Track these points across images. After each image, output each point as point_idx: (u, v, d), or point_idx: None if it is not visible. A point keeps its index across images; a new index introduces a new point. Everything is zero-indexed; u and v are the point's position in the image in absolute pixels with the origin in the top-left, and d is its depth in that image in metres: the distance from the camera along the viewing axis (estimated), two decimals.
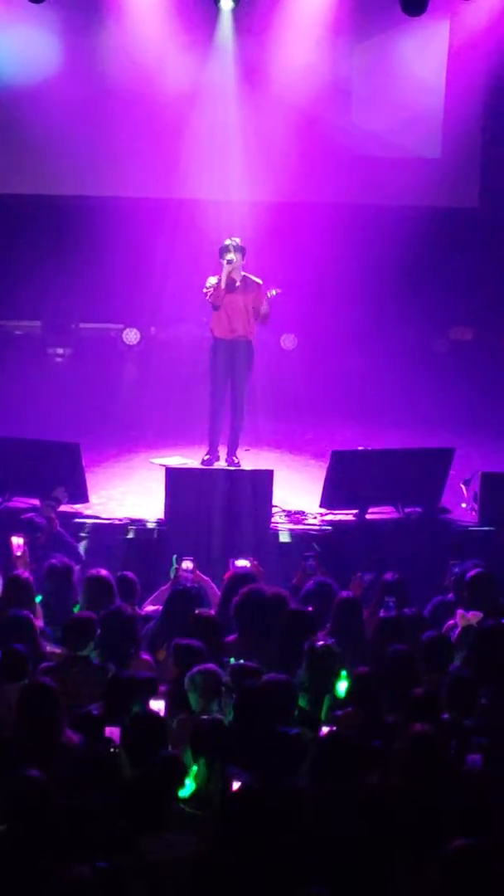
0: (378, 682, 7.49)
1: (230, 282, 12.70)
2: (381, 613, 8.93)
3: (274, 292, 12.88)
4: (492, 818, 5.86)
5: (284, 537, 11.85)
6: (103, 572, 9.22)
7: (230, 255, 12.69)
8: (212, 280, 12.83)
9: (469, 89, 17.12)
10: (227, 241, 12.86)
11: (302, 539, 11.79)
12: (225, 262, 12.70)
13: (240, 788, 5.92)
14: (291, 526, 12.00)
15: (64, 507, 11.86)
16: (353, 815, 5.76)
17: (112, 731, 6.60)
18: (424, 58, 16.98)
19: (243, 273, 12.83)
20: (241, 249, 12.79)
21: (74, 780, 6.17)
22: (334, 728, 6.82)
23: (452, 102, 17.26)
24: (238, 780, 6.24)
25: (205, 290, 12.84)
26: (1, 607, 8.77)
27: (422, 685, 7.43)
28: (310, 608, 8.75)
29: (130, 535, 11.74)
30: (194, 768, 6.42)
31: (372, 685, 7.43)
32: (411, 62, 16.96)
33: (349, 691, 7.48)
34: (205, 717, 6.87)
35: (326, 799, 6.01)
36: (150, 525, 11.89)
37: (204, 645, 7.86)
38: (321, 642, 7.82)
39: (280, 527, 11.98)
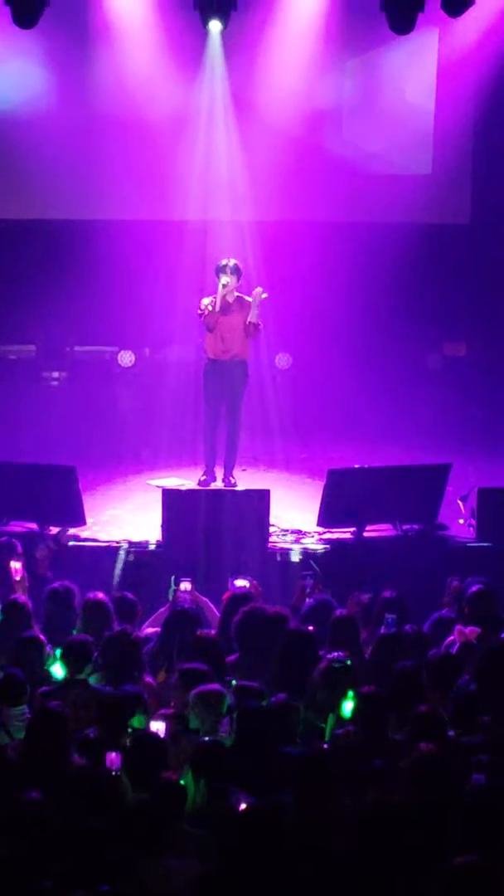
0: (381, 700, 7.48)
1: (225, 304, 12.72)
2: (382, 631, 8.94)
3: (262, 293, 12.78)
4: (496, 835, 5.85)
5: (294, 556, 11.86)
6: (101, 596, 9.22)
7: (225, 279, 12.70)
8: (206, 301, 12.85)
9: (459, 105, 17.14)
10: (223, 262, 12.89)
11: (301, 558, 11.79)
12: (220, 284, 12.71)
13: (249, 808, 5.90)
14: (290, 545, 12.01)
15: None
16: (344, 834, 5.75)
17: (112, 756, 6.59)
18: (414, 75, 17.00)
19: (237, 293, 12.85)
20: (236, 271, 12.81)
21: (78, 803, 6.17)
22: (324, 746, 6.83)
23: (443, 119, 17.27)
24: (241, 800, 6.24)
25: (199, 312, 12.86)
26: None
27: (427, 702, 7.43)
28: (310, 627, 8.75)
29: (129, 557, 11.73)
30: (192, 788, 6.41)
31: (375, 703, 7.43)
32: (401, 79, 16.97)
33: (354, 710, 7.48)
34: (206, 738, 6.87)
35: (313, 817, 6.01)
36: (148, 547, 11.89)
37: (208, 666, 7.86)
38: (335, 657, 7.82)
39: (283, 546, 11.98)
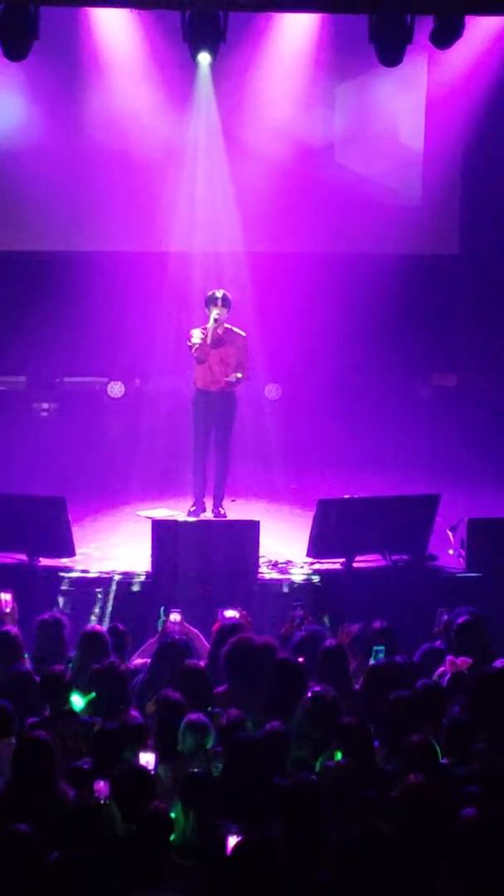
0: (366, 731, 7.46)
1: (216, 338, 12.74)
2: (371, 661, 8.93)
3: (237, 377, 12.86)
4: (485, 868, 5.84)
5: (279, 587, 11.84)
6: (99, 628, 9.22)
7: (216, 312, 12.72)
8: (196, 334, 12.86)
9: (448, 136, 17.20)
10: (213, 293, 12.91)
11: (290, 589, 11.78)
12: (212, 318, 12.73)
13: (243, 841, 5.87)
14: (280, 576, 11.99)
15: (50, 561, 11.88)
16: (332, 864, 5.74)
17: (100, 786, 6.57)
18: (403, 106, 17.06)
19: (227, 325, 12.87)
20: (227, 303, 12.83)
21: (67, 835, 6.14)
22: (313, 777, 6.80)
23: (432, 149, 17.33)
24: (230, 832, 6.22)
25: (190, 345, 12.87)
26: None
27: (418, 733, 7.41)
28: (300, 658, 8.73)
29: (117, 588, 11.71)
30: (181, 819, 6.38)
31: (364, 735, 7.41)
32: (390, 110, 17.03)
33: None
34: (195, 769, 6.84)
35: (301, 848, 5.99)
36: (138, 578, 11.87)
37: (189, 697, 7.84)
38: (317, 691, 7.79)
39: (271, 576, 11.97)
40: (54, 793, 6.70)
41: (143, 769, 6.81)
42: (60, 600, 11.43)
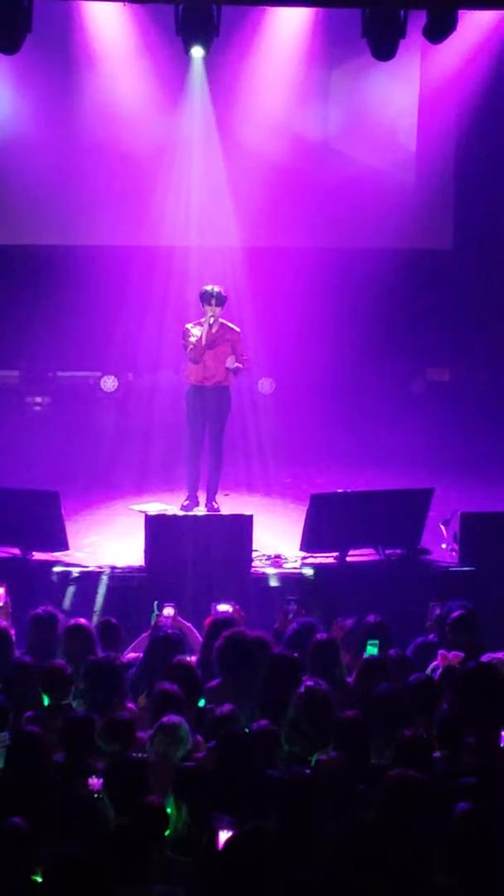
0: (363, 725, 7.47)
1: (210, 339, 12.72)
2: (365, 655, 8.93)
3: (234, 363, 12.81)
4: (479, 862, 5.84)
5: (272, 581, 11.84)
6: (82, 621, 9.20)
7: (210, 311, 12.70)
8: (192, 331, 12.82)
9: (441, 130, 17.23)
10: (208, 288, 12.88)
11: (284, 583, 11.78)
12: (207, 316, 12.71)
13: (235, 835, 5.87)
14: (273, 570, 12.00)
15: (44, 556, 11.88)
16: (324, 858, 5.74)
17: (94, 779, 6.57)
18: (396, 100, 17.07)
19: (221, 320, 12.86)
20: (221, 301, 12.80)
21: (59, 828, 6.14)
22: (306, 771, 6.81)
23: (425, 143, 17.36)
24: (223, 825, 6.22)
25: (184, 344, 12.84)
26: None
27: (410, 726, 7.42)
28: (295, 653, 8.72)
29: (111, 583, 11.71)
30: (174, 813, 6.38)
31: (357, 729, 7.41)
32: (383, 104, 17.04)
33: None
34: (188, 763, 6.84)
35: (294, 841, 5.99)
36: (131, 572, 11.86)
37: (181, 691, 7.84)
38: (309, 685, 7.78)
39: (266, 571, 11.97)
40: (47, 787, 6.70)
41: (137, 761, 6.80)
42: (67, 597, 11.39)
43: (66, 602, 11.21)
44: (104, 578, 11.72)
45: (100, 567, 11.91)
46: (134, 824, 6.13)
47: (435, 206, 17.71)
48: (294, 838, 6.06)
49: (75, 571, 11.80)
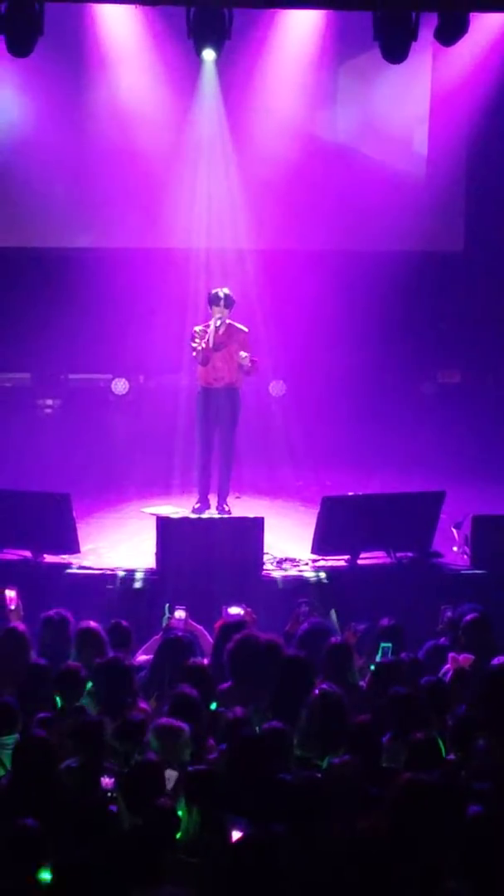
0: (376, 729, 7.46)
1: (217, 341, 12.71)
2: (378, 659, 8.93)
3: (245, 358, 12.77)
4: (491, 862, 5.83)
5: (282, 584, 11.83)
6: (93, 624, 9.20)
7: (218, 314, 12.70)
8: (199, 333, 12.80)
9: (453, 132, 17.22)
10: (216, 291, 12.89)
11: (295, 586, 11.77)
12: (214, 319, 12.71)
13: (247, 837, 5.86)
14: (284, 573, 11.99)
15: (55, 558, 11.89)
16: (337, 862, 5.73)
17: (106, 779, 6.57)
18: (408, 102, 17.06)
19: (229, 321, 12.85)
20: (229, 303, 12.80)
21: (70, 831, 6.14)
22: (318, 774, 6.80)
23: (436, 146, 17.35)
24: (236, 828, 6.21)
25: (193, 345, 12.83)
26: None
27: (423, 730, 7.41)
28: (304, 654, 8.72)
29: (122, 585, 11.71)
30: (185, 816, 6.37)
31: (370, 732, 7.41)
32: (395, 106, 17.02)
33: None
34: (199, 766, 6.84)
35: (306, 845, 5.99)
36: (142, 574, 11.86)
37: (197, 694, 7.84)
38: (324, 689, 7.78)
39: (277, 573, 11.96)
40: (55, 790, 6.69)
41: (153, 763, 6.79)
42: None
43: (78, 605, 11.19)
44: (115, 581, 11.71)
45: (111, 569, 11.91)
46: (145, 826, 6.13)
47: (446, 209, 17.69)
48: (305, 841, 6.06)
49: (86, 574, 11.79)
